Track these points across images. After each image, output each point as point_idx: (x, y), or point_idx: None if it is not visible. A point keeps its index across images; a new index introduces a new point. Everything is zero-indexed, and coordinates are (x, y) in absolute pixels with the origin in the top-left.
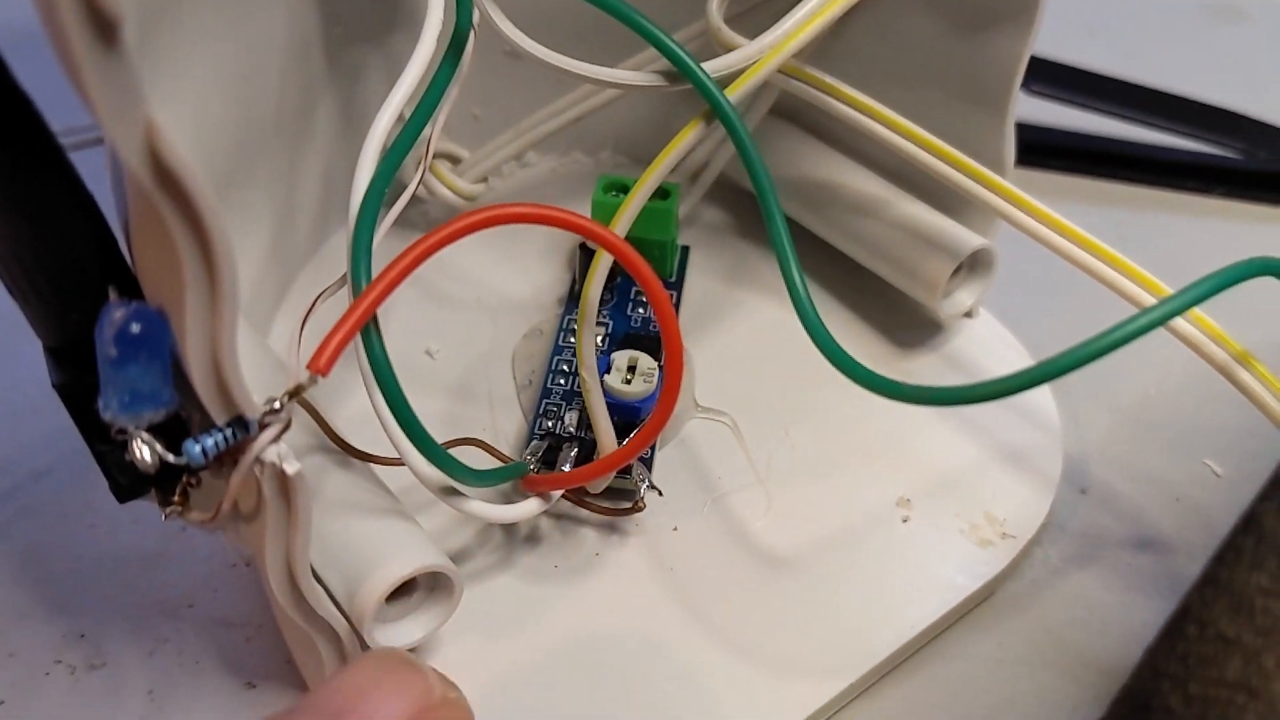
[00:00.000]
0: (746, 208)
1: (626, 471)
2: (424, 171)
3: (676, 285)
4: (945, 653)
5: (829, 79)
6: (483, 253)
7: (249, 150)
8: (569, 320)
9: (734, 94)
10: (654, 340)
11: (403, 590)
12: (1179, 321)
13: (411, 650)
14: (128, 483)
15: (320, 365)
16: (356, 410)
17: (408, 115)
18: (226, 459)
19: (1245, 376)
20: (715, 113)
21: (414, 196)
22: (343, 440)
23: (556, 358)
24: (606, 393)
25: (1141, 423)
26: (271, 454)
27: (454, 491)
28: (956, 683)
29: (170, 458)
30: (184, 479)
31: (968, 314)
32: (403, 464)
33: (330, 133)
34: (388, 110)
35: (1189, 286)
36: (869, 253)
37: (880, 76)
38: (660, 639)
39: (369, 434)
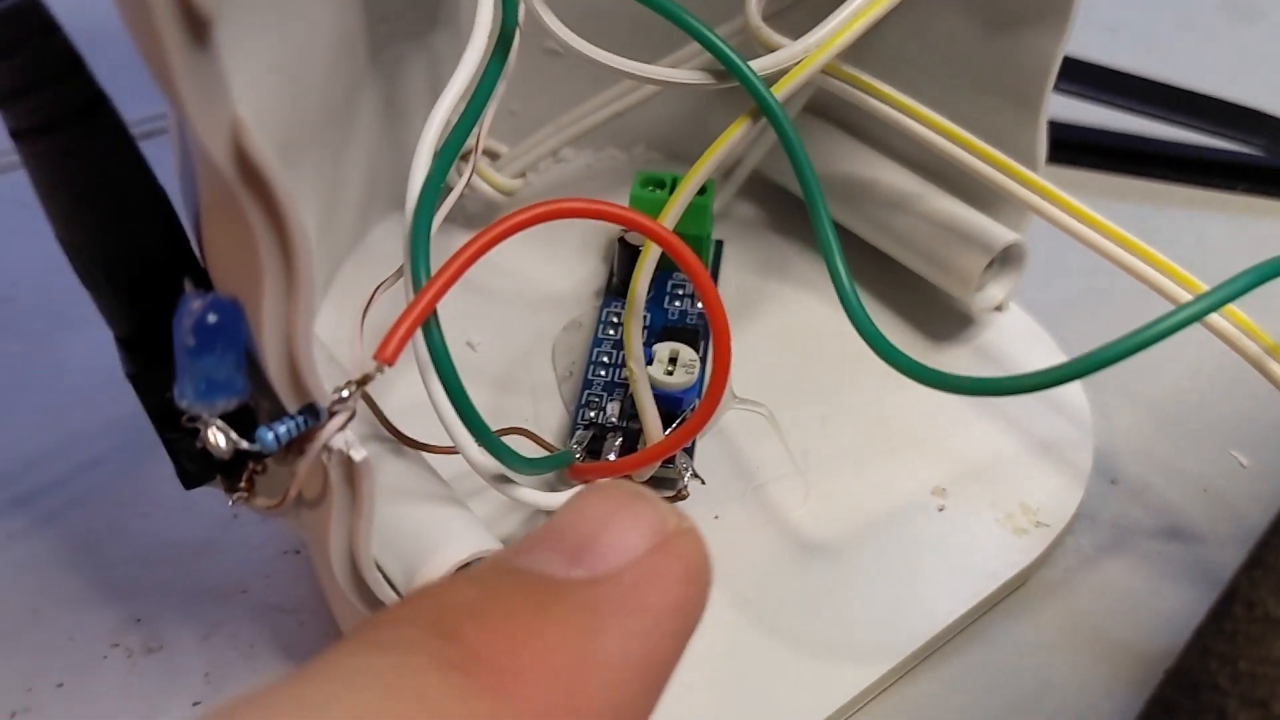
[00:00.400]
0: (779, 202)
1: (670, 461)
2: (474, 168)
3: (712, 279)
4: (982, 638)
5: (865, 76)
6: (521, 247)
7: (296, 145)
8: (607, 313)
9: (780, 92)
10: (692, 332)
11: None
12: (1212, 316)
13: None
14: (195, 470)
15: (387, 355)
16: (398, 401)
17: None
18: (295, 446)
19: (1276, 369)
20: (763, 111)
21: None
22: (396, 429)
23: (596, 349)
24: (650, 384)
25: (1169, 415)
26: (339, 441)
27: (503, 479)
28: (993, 668)
29: (244, 444)
30: (251, 466)
31: (998, 308)
32: (456, 452)
33: (373, 128)
34: (442, 108)
35: (1225, 283)
36: (901, 247)
37: (915, 74)
38: (702, 624)
39: (412, 424)
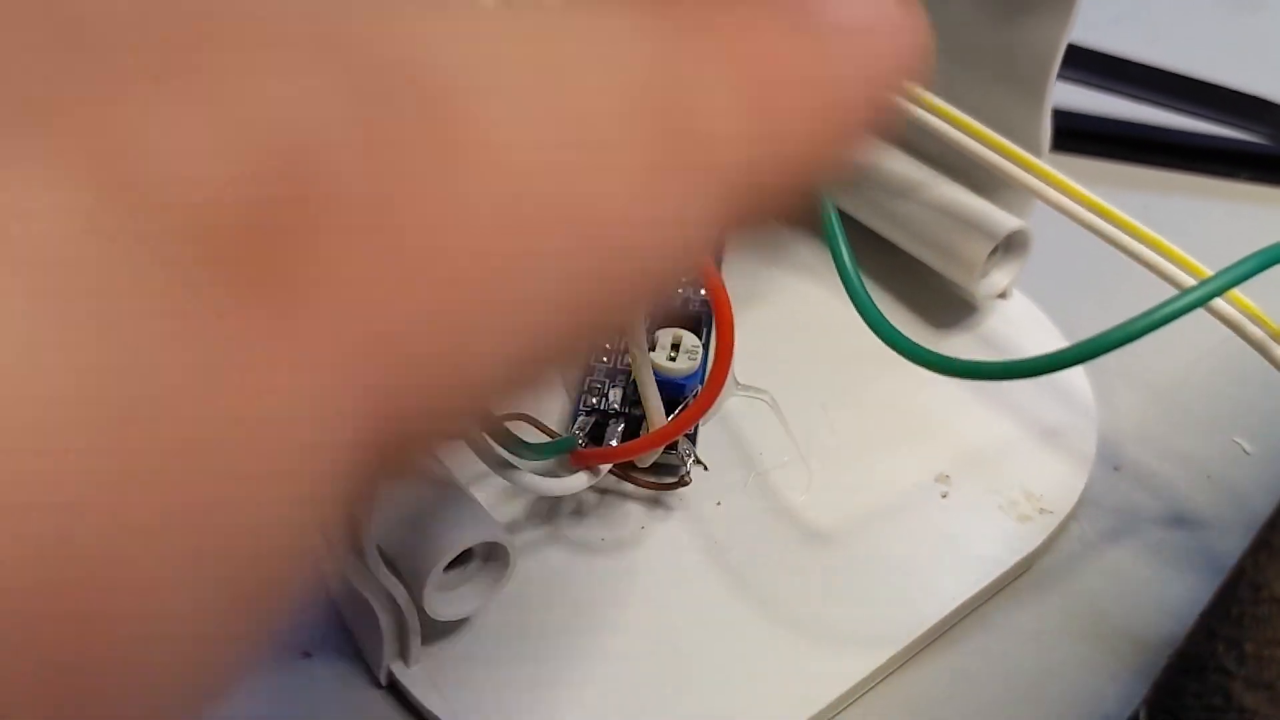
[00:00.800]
0: None
1: (672, 447)
2: None
3: (715, 265)
4: (985, 625)
5: None
6: None
7: None
8: None
9: None
10: (694, 318)
11: (459, 560)
12: (1216, 300)
13: (463, 620)
14: None
15: None
16: None
17: None
18: None
19: None
20: None
21: None
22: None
23: None
24: (652, 369)
25: (1172, 402)
26: None
27: (505, 464)
28: (996, 654)
29: None
30: None
31: (1002, 295)
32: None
33: None
34: None
35: (1229, 267)
36: (904, 233)
37: None
38: (704, 610)
39: None
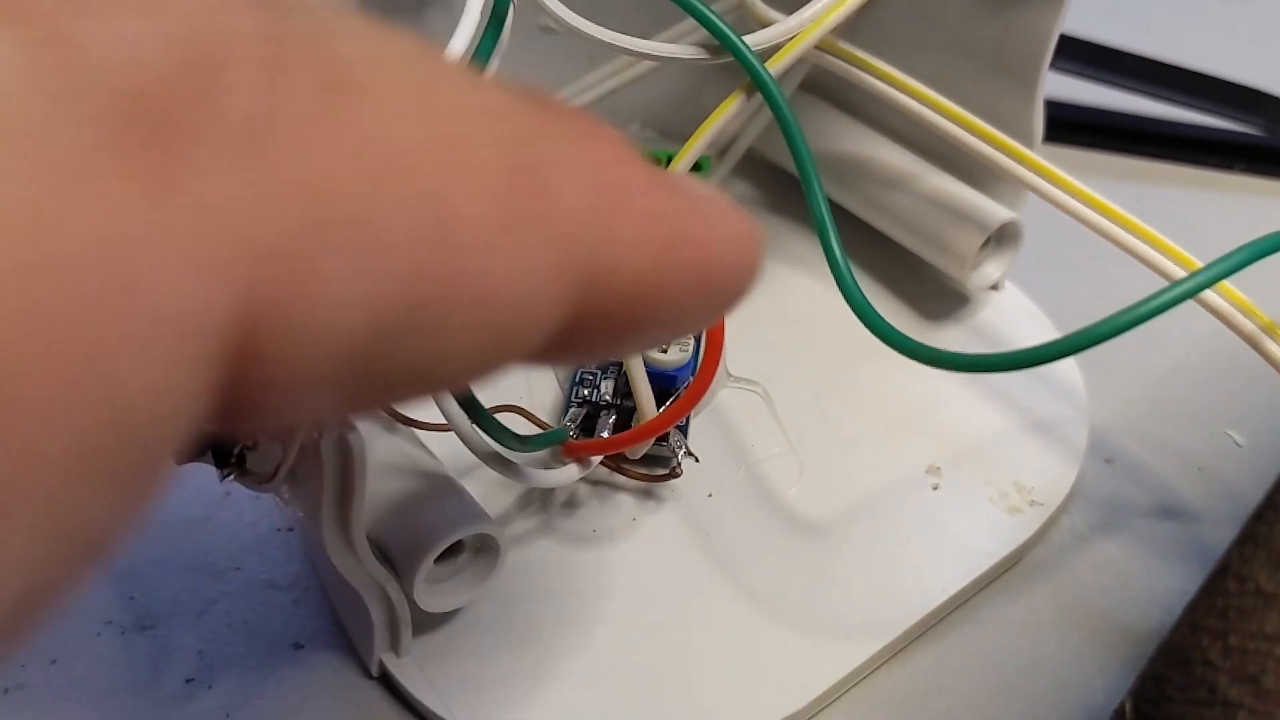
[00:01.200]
0: (774, 181)
1: (664, 439)
2: None
3: None
4: (976, 617)
5: (860, 52)
6: None
7: None
8: None
9: (774, 67)
10: None
11: (449, 552)
12: (1208, 293)
13: (454, 612)
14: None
15: None
16: None
17: None
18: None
19: (1272, 347)
20: (757, 86)
21: None
22: (390, 407)
23: None
24: (644, 361)
25: (1164, 394)
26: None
27: (497, 457)
28: (987, 645)
29: None
30: (242, 443)
31: (994, 287)
32: (449, 429)
33: None
34: None
35: (1219, 259)
36: (897, 225)
37: (911, 51)
38: (695, 602)
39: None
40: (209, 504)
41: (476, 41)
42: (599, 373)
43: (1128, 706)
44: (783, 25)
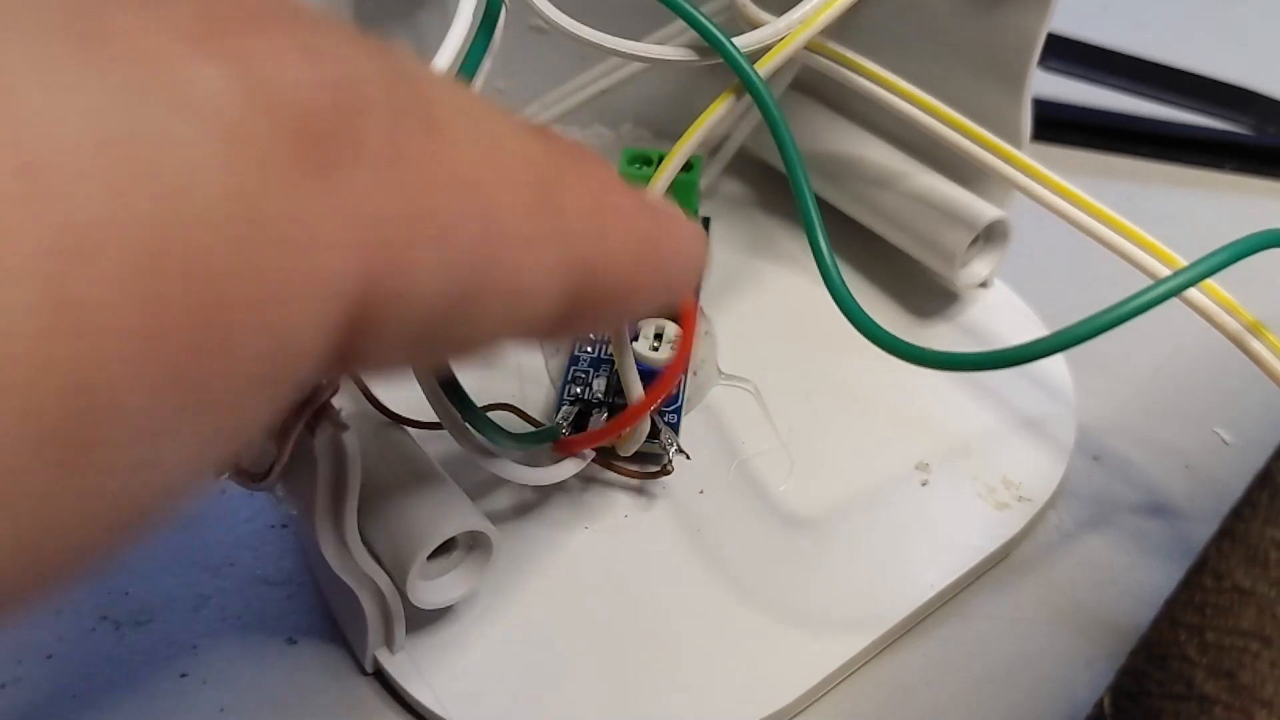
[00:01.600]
0: (766, 180)
1: (655, 436)
2: None
3: None
4: (963, 612)
5: (849, 53)
6: None
7: None
8: None
9: (763, 68)
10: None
11: (442, 549)
12: (1192, 292)
13: (448, 608)
14: None
15: None
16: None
17: None
18: (280, 421)
19: (1257, 346)
20: (745, 87)
21: None
22: (383, 405)
23: None
24: (635, 359)
25: (1152, 393)
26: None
27: (490, 454)
28: (974, 641)
29: None
30: None
31: (983, 284)
32: (441, 428)
33: None
34: None
35: (1203, 258)
36: (886, 223)
37: (899, 50)
38: (688, 598)
39: (398, 399)
40: (204, 500)
41: (469, 42)
42: (591, 370)
43: (1106, 701)
44: (772, 27)
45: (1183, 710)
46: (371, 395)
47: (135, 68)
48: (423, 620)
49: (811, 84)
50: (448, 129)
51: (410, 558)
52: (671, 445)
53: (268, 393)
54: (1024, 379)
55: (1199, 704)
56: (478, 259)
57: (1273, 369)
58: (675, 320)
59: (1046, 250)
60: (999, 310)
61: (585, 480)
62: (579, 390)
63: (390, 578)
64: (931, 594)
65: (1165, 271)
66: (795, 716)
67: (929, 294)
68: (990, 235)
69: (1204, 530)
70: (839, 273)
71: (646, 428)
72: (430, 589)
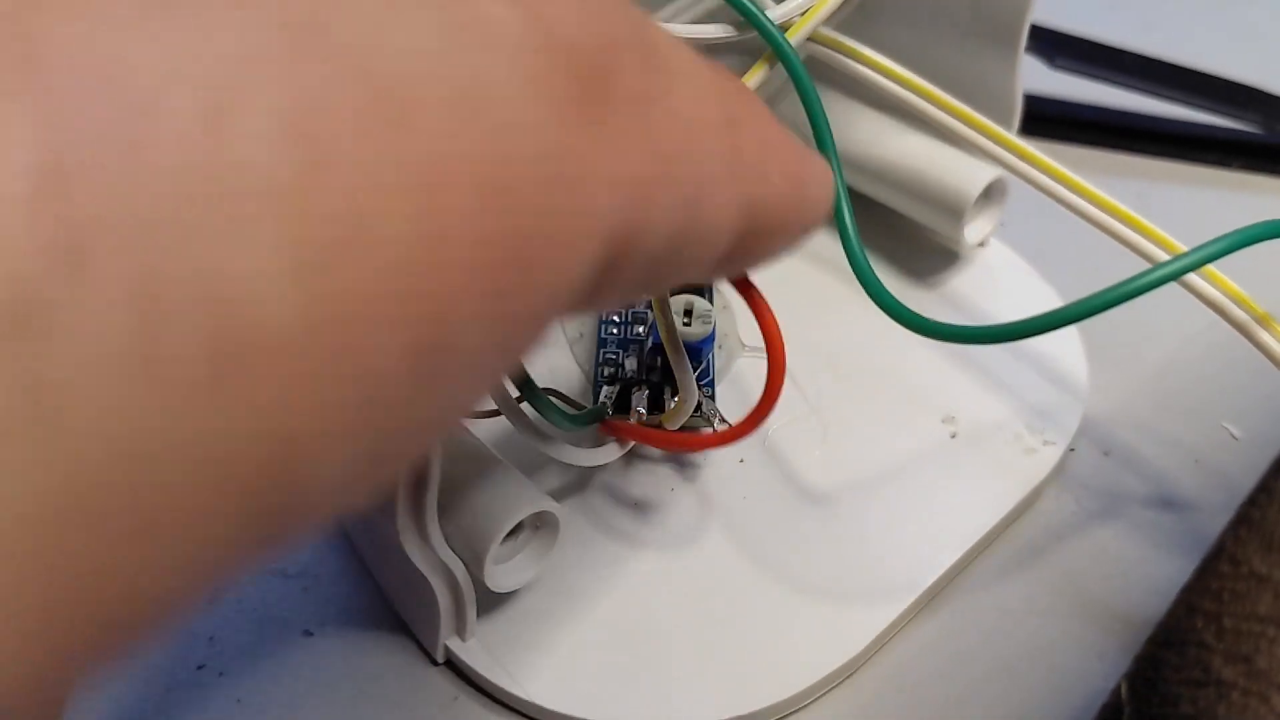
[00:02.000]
0: None
1: (698, 408)
2: None
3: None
4: (974, 602)
5: (848, 41)
6: None
7: None
8: None
9: (794, 38)
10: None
11: (510, 533)
12: (1201, 283)
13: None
14: None
15: None
16: None
17: None
18: None
19: (1265, 337)
20: (779, 57)
21: None
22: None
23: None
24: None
25: (1162, 388)
26: None
27: (544, 437)
28: (988, 630)
29: None
30: None
31: (981, 244)
32: (499, 414)
33: None
34: None
35: (1206, 243)
36: (884, 186)
37: (889, 16)
38: (736, 568)
39: None
40: None
41: None
42: (621, 351)
43: (1123, 688)
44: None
45: (1200, 696)
46: None
47: (447, 3)
48: (488, 605)
49: (809, 65)
50: (674, 69)
51: (487, 543)
52: (715, 416)
53: (535, 335)
54: (1038, 355)
55: (1216, 689)
56: (693, 198)
57: None
58: (700, 293)
59: (1044, 234)
60: (999, 269)
61: (627, 456)
62: (611, 371)
63: (465, 565)
64: (977, 538)
65: (1162, 255)
66: (830, 689)
67: (926, 256)
68: (990, 193)
69: (1214, 524)
70: (864, 251)
71: (693, 403)
72: (503, 572)
